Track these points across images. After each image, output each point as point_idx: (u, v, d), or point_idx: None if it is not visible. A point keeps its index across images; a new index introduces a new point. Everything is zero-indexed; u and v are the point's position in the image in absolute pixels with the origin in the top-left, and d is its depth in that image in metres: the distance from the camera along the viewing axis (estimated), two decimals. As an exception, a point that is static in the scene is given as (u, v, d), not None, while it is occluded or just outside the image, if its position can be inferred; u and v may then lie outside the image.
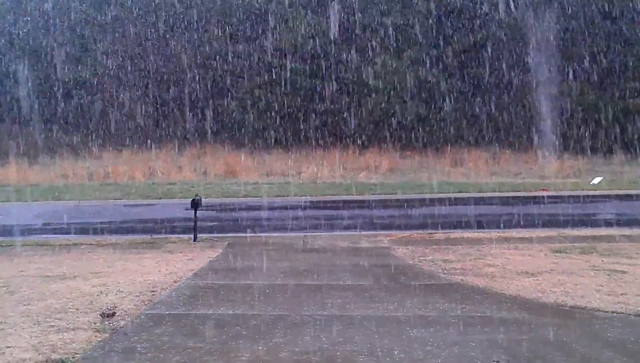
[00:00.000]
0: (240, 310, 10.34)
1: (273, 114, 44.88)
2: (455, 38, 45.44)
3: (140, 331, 9.25)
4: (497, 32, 45.23)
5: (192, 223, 18.25)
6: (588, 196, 27.94)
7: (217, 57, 46.67)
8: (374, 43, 45.78)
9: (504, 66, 44.49)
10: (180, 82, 46.68)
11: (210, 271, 13.71)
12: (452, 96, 44.57)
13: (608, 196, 27.59)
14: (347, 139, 43.19)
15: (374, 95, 44.62)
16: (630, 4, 43.83)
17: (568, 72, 43.79)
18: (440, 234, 18.54)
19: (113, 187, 33.97)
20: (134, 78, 47.10)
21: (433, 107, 44.47)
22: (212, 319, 9.83)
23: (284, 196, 29.21)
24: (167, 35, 47.85)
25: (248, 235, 19.06)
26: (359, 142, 42.85)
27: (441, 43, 45.64)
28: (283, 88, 45.40)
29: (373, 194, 29.64)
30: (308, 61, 45.68)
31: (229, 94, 45.81)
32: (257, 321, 9.67)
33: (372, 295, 11.36)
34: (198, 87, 46.32)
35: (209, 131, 44.66)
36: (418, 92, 44.58)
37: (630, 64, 43.09)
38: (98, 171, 38.79)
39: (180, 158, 41.47)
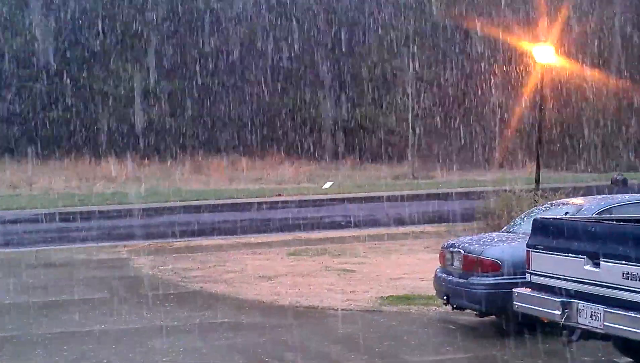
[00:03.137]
0: (-37, 334, 9.58)
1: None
2: (191, 46, 45.61)
3: None
4: (233, 44, 46.11)
5: None
6: (321, 199, 29.42)
7: None
8: (112, 47, 44.61)
9: (238, 75, 45.49)
10: None
11: None
12: (190, 103, 44.70)
13: (338, 199, 29.25)
14: (83, 148, 41.63)
15: (110, 101, 43.47)
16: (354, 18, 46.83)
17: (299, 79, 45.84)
18: (180, 242, 18.53)
19: None
20: None
21: (171, 114, 44.28)
22: None
23: (13, 209, 27.47)
24: None
25: (-27, 252, 17.68)
26: (96, 150, 41.47)
27: (178, 51, 45.59)
28: (11, 94, 42.72)
29: (110, 204, 28.86)
30: (36, 66, 43.37)
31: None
32: (-17, 345, 9.02)
33: (110, 308, 11.09)
34: None
35: None
36: (157, 99, 44.17)
37: (356, 74, 46.00)
38: None
39: None
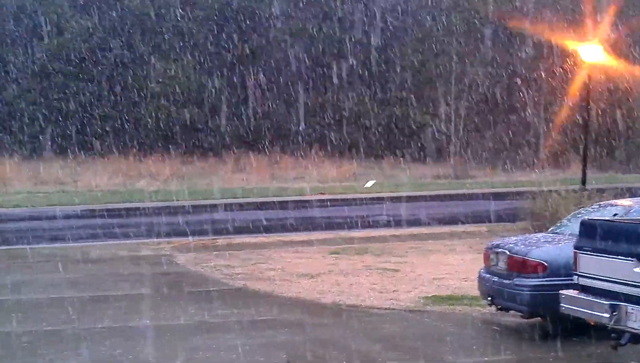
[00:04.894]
0: (9, 327, 9.74)
1: (46, 118, 42.75)
2: (233, 45, 45.85)
3: None
4: (274, 39, 46.26)
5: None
6: (362, 198, 29.28)
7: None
8: (153, 47, 45.06)
9: (278, 73, 45.61)
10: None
11: (-24, 287, 12.80)
12: (231, 101, 44.96)
13: (380, 199, 29.09)
14: (128, 145, 42.09)
15: (154, 100, 43.92)
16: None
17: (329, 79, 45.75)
18: (222, 240, 18.60)
19: None
20: None
21: (213, 112, 44.58)
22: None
23: (60, 204, 27.87)
24: None
25: (21, 246, 17.97)
26: (140, 148, 41.91)
27: (219, 49, 45.87)
28: (57, 92, 43.43)
29: (154, 201, 29.12)
30: (83, 65, 44.02)
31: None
32: (29, 338, 9.16)
33: (153, 304, 11.18)
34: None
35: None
36: (198, 98, 44.50)
37: (398, 73, 45.75)
38: None
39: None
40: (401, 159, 42.50)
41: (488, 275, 9.48)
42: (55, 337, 9.18)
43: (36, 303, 11.30)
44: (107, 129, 43.15)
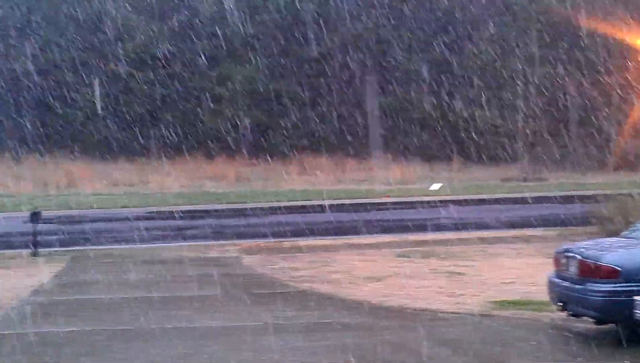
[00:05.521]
0: (82, 326, 9.97)
1: (116, 122, 43.75)
2: (301, 48, 46.12)
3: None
4: (340, 45, 46.30)
5: (32, 237, 17.44)
6: (428, 201, 29.07)
7: (57, 64, 44.92)
8: (220, 50, 45.67)
9: (344, 76, 45.64)
10: (18, 87, 44.51)
11: (51, 287, 13.16)
12: (296, 104, 45.20)
13: (446, 201, 28.83)
14: (195, 148, 42.73)
15: (221, 103, 44.47)
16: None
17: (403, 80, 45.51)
18: (288, 242, 18.71)
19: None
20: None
21: (278, 115, 44.90)
22: (51, 337, 9.41)
23: (129, 206, 28.46)
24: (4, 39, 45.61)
25: (93, 247, 18.44)
26: (206, 151, 42.51)
27: (287, 53, 46.16)
28: (127, 96, 44.39)
29: (220, 203, 29.48)
30: (152, 69, 44.89)
31: (71, 101, 44.20)
32: (101, 337, 9.36)
33: (221, 305, 11.31)
34: (37, 92, 44.34)
35: (49, 140, 42.82)
36: (264, 101, 44.88)
37: (468, 74, 45.24)
38: None
39: (18, 168, 39.37)
40: (468, 161, 42.04)
41: (558, 280, 9.28)
42: (125, 336, 9.37)
43: (108, 302, 11.56)
44: (175, 131, 43.85)
